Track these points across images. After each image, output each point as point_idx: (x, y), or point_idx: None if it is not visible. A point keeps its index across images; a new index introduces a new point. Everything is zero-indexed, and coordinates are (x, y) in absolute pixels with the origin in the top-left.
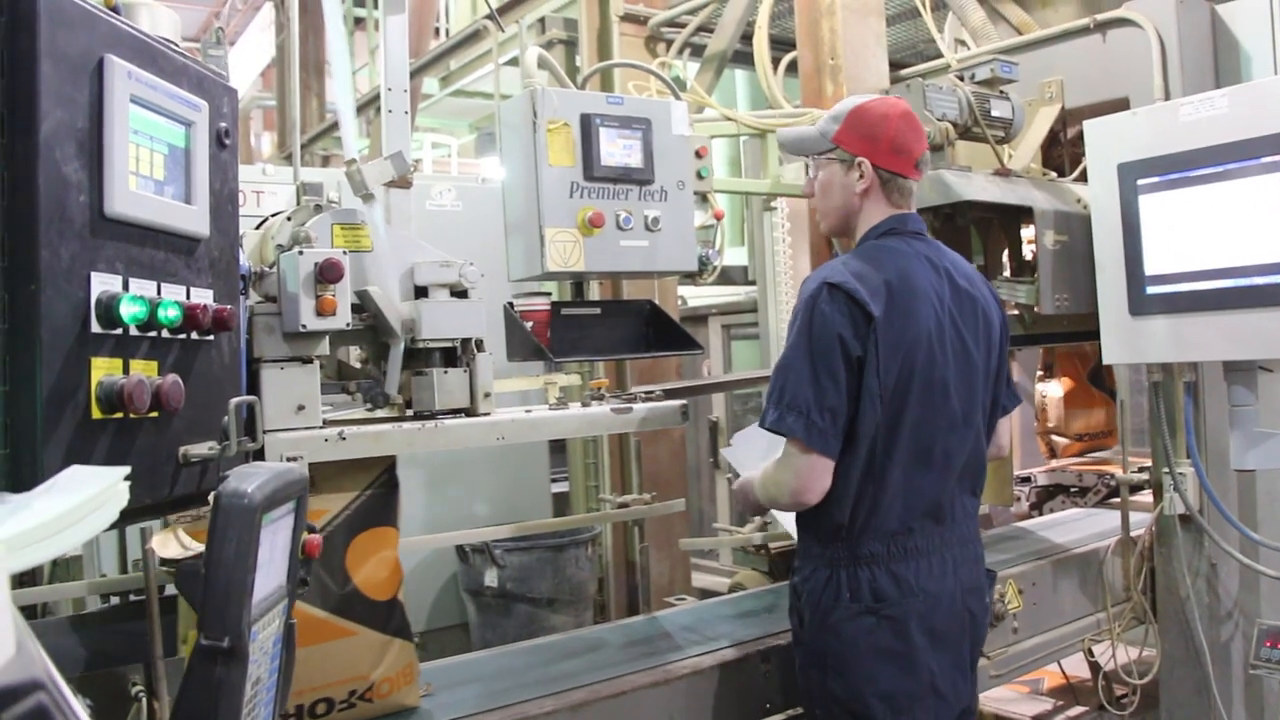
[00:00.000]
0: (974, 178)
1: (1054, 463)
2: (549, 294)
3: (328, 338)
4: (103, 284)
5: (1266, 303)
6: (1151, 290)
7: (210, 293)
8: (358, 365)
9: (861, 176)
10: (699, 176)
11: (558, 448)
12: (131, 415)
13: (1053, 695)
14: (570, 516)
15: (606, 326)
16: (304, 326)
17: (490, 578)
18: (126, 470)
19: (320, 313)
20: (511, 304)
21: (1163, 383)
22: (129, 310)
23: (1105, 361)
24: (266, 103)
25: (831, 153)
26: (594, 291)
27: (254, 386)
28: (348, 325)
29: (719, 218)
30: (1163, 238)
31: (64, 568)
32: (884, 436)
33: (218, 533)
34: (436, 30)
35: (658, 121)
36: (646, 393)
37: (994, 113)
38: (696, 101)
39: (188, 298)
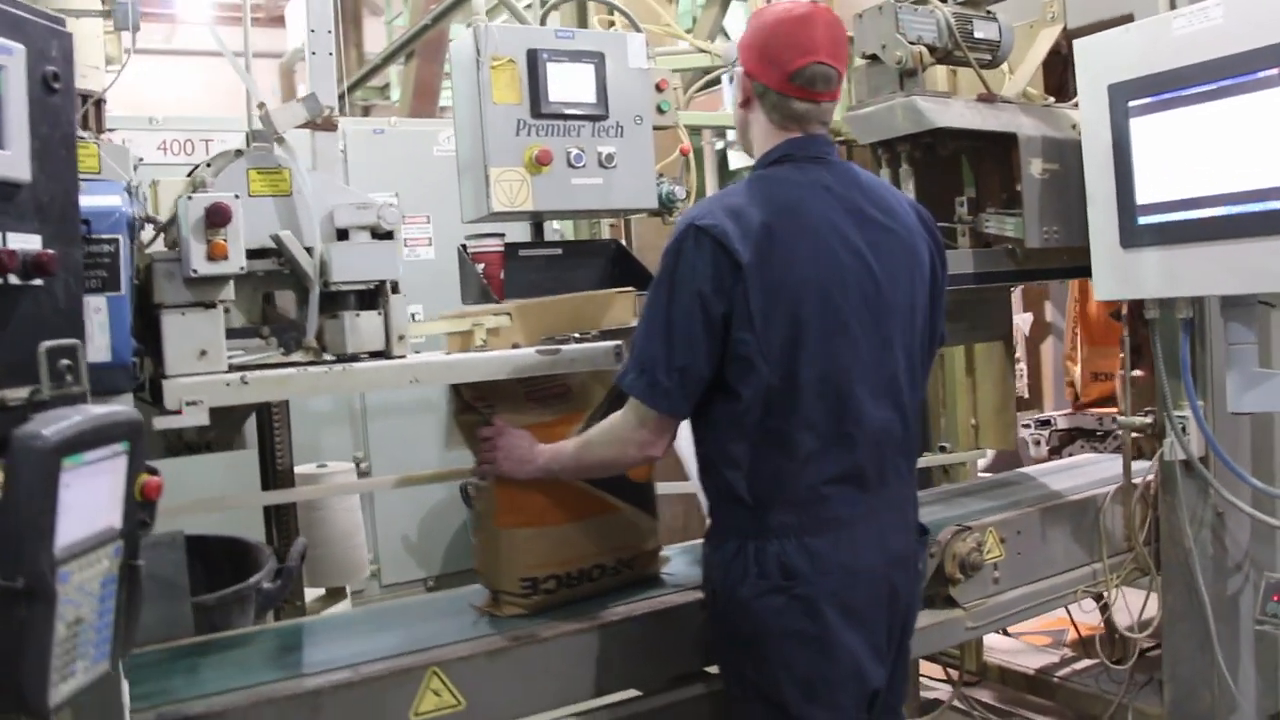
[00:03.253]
0: (952, 104)
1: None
2: (502, 235)
3: (231, 283)
4: None
5: (1264, 231)
6: (1143, 220)
7: (38, 237)
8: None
9: (743, 89)
10: (660, 111)
11: None
12: None
13: (1068, 647)
14: None
15: (567, 267)
16: (195, 271)
17: None
18: None
19: (211, 257)
20: (464, 246)
21: (1161, 319)
22: None
23: (1097, 298)
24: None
25: (735, 61)
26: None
27: (156, 333)
28: (241, 269)
29: (685, 153)
30: (1155, 163)
31: None
32: (780, 396)
33: (10, 474)
34: None
35: (612, 55)
36: (581, 334)
37: (977, 34)
38: (668, 34)
39: (4, 243)
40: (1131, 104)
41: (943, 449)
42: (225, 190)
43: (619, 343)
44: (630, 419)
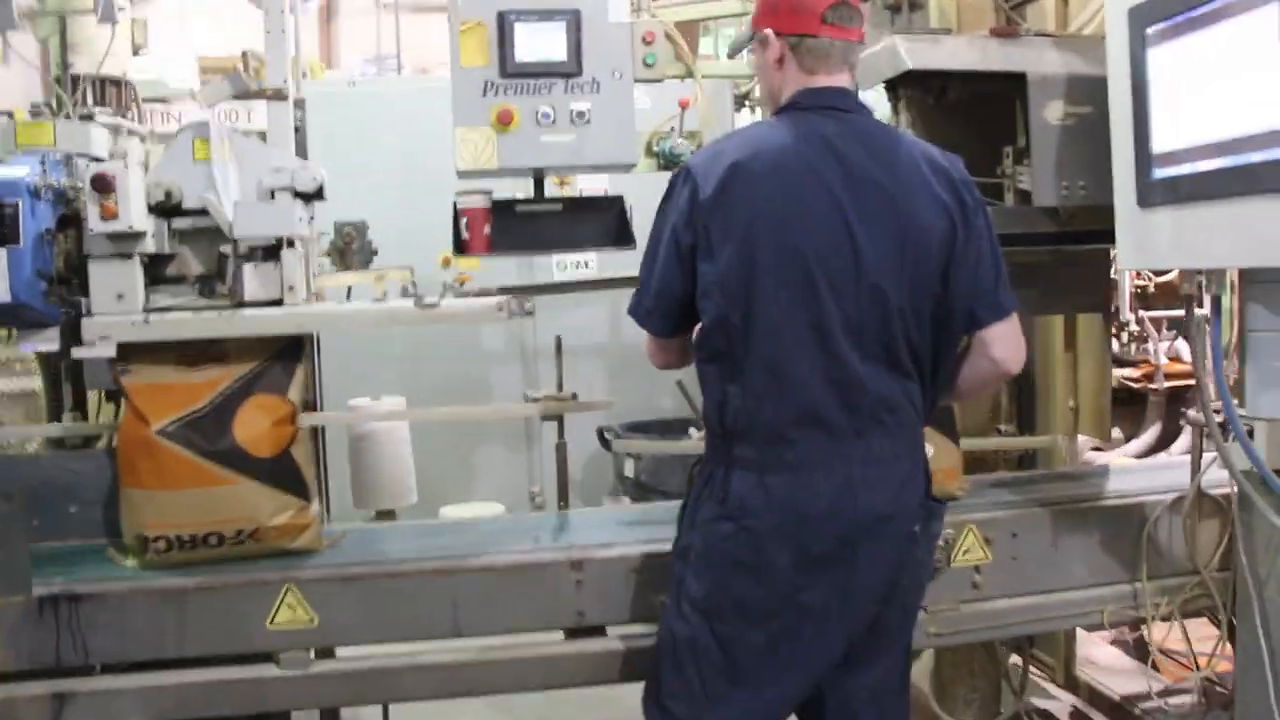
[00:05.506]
0: (945, 42)
1: None
2: (489, 192)
3: (147, 237)
4: None
5: (1273, 187)
6: (1159, 173)
7: None
8: None
9: (772, 49)
10: (646, 64)
11: None
12: None
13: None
14: None
15: (567, 223)
16: (91, 229)
17: (628, 468)
18: None
19: (104, 217)
20: (456, 202)
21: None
22: None
23: (1120, 267)
24: None
25: (753, 38)
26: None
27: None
28: (130, 228)
29: (683, 106)
30: (1172, 103)
31: None
32: (741, 334)
33: None
34: None
35: (590, 11)
36: (481, 290)
37: None
38: None
39: None
40: (1149, 30)
41: (999, 432)
42: (177, 158)
43: (504, 298)
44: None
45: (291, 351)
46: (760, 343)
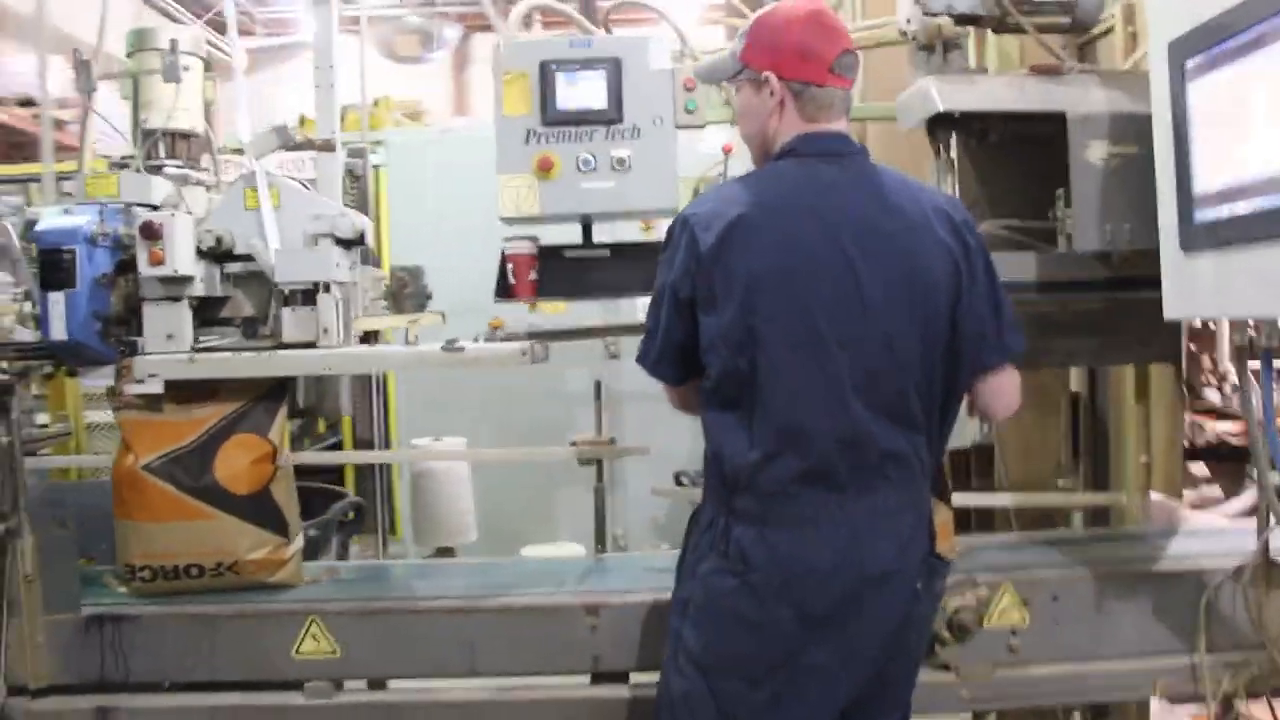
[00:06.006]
0: (980, 82)
1: None
2: (534, 238)
3: (195, 281)
4: None
5: None
6: (1201, 216)
7: None
8: None
9: (772, 93)
10: (687, 111)
11: None
12: None
13: None
14: None
15: (615, 269)
16: (140, 274)
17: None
18: None
19: (151, 263)
20: (504, 249)
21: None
22: None
23: (1166, 316)
24: None
25: (741, 74)
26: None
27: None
28: (175, 273)
29: (728, 151)
30: (1213, 141)
31: None
32: (749, 387)
33: None
34: None
35: (630, 59)
36: (506, 335)
37: None
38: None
39: None
40: (1189, 64)
41: (1058, 487)
42: (231, 207)
43: (528, 344)
44: None
45: (276, 393)
46: (768, 396)
